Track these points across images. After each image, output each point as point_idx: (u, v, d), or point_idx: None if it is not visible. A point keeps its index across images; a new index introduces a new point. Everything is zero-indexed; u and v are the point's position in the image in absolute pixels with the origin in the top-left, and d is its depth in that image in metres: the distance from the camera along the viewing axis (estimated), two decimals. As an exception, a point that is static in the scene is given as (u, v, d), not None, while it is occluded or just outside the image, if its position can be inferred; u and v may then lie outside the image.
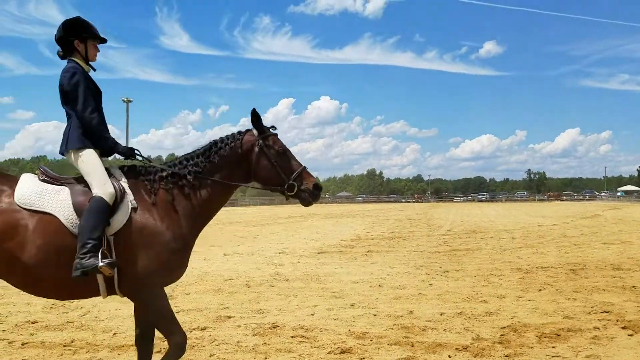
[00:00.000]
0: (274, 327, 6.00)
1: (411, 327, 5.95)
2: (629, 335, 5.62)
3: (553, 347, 5.23)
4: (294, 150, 3.97)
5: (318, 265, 11.02)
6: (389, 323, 6.16)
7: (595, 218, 30.12)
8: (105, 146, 3.68)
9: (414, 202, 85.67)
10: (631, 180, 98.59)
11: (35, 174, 3.67)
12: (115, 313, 6.66)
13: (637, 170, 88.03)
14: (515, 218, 30.75)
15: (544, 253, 12.98)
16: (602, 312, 6.64)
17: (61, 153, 3.67)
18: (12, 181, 3.52)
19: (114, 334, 5.81)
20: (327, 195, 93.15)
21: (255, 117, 3.80)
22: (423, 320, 6.27)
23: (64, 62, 3.75)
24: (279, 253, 13.31)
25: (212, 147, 3.81)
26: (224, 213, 31.52)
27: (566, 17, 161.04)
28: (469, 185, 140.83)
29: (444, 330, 5.86)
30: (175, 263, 3.56)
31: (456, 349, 5.18)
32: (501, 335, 5.62)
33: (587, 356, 4.96)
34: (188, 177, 3.68)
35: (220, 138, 3.87)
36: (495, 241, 16.32)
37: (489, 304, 7.18)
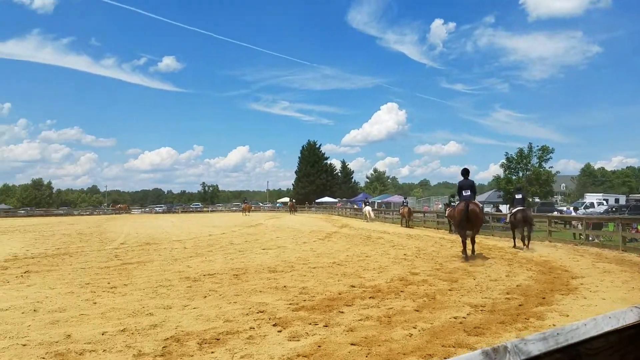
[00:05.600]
0: None
1: (66, 353, 5.42)
2: (278, 331, 6.30)
3: (212, 352, 5.44)
4: None
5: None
6: (40, 352, 5.47)
7: (258, 226, 33.38)
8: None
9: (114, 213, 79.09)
10: (288, 193, 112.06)
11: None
12: None
13: (292, 184, 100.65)
14: (188, 228, 31.63)
15: (212, 261, 13.69)
16: (257, 312, 7.31)
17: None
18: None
19: None
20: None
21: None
22: (81, 343, 5.78)
23: None
24: None
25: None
26: None
27: (238, 45, 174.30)
28: (148, 197, 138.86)
29: (104, 350, 5.52)
30: None
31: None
32: (163, 347, 5.59)
33: (241, 357, 5.29)
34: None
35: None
36: (168, 252, 16.45)
37: (155, 316, 7.13)
